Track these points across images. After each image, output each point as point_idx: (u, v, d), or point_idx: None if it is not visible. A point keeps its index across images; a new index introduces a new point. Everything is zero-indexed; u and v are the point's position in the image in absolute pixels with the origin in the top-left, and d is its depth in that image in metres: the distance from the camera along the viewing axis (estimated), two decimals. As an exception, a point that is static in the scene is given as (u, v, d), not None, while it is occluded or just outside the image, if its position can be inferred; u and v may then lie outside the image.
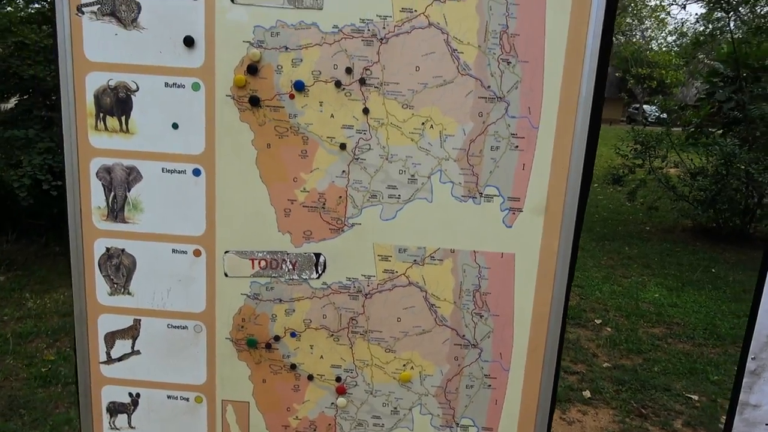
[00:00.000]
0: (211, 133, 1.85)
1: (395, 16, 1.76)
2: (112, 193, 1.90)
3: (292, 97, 1.81)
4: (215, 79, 1.81)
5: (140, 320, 1.99)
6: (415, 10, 1.75)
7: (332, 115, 1.82)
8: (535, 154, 1.82)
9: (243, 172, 1.87)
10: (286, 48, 1.78)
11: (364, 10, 1.75)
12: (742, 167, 10.57)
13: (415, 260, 1.90)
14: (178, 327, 1.99)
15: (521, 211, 1.86)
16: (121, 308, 1.99)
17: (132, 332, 2.00)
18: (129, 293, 1.97)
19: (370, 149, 1.84)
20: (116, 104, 1.84)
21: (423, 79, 1.79)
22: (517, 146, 1.82)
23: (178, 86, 1.83)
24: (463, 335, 1.96)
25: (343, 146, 1.83)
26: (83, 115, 1.85)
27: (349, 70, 1.79)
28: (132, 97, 1.84)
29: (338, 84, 1.79)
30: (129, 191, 1.90)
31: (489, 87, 1.78)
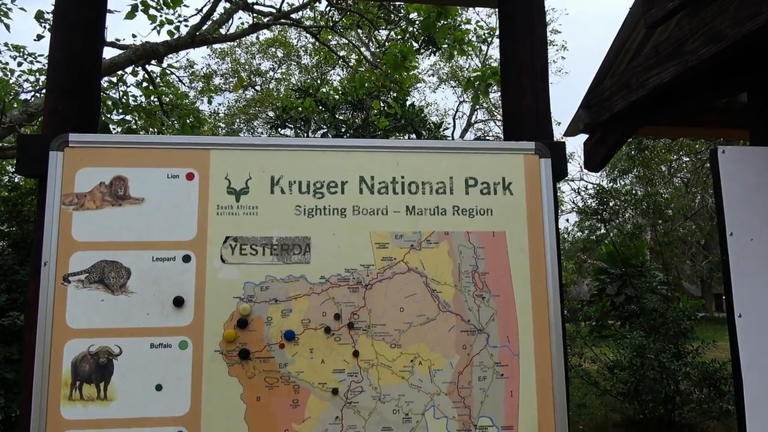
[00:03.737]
0: (198, 392, 1.79)
1: (377, 264, 1.92)
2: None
3: (282, 346, 1.84)
4: (204, 336, 1.82)
5: None
6: (395, 258, 1.93)
7: (323, 361, 1.85)
8: (521, 381, 1.91)
9: (230, 429, 1.78)
10: (276, 300, 1.86)
11: (348, 262, 1.91)
12: (652, 356, 11.24)
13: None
14: None
15: (517, 440, 1.87)
16: None
17: None
18: None
19: (362, 392, 1.85)
20: (96, 371, 1.77)
21: (408, 319, 1.90)
22: (502, 374, 1.91)
23: (165, 346, 1.80)
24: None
25: (335, 391, 1.83)
26: (57, 385, 1.75)
27: (337, 316, 1.87)
28: (114, 361, 1.78)
29: (327, 330, 1.86)
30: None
31: (469, 321, 1.92)
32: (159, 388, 1.78)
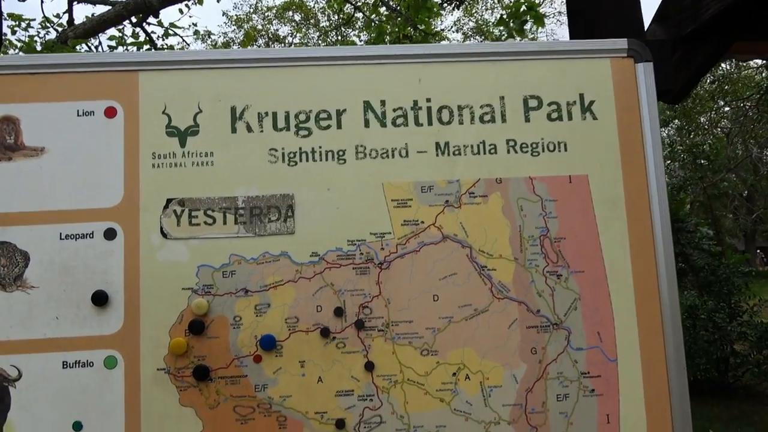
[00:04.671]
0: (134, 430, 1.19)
1: (396, 232, 1.28)
2: None
3: (258, 360, 1.22)
4: (140, 348, 1.21)
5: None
6: (422, 222, 1.28)
7: (320, 379, 1.23)
8: (621, 400, 1.26)
9: (187, 485, 1.19)
10: (246, 291, 1.24)
11: (352, 229, 1.27)
12: (705, 317, 10.45)
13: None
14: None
15: (618, 489, 1.24)
16: None
17: None
18: None
19: (381, 423, 1.23)
20: (-18, 406, 1.18)
21: (446, 312, 1.26)
22: (593, 390, 1.26)
23: (84, 365, 1.21)
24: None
25: (340, 424, 1.21)
26: (-74, 429, 1.17)
27: (339, 312, 1.24)
28: (10, 389, 1.19)
29: (325, 332, 1.23)
30: None
31: (539, 311, 1.27)
32: (77, 427, 1.19)
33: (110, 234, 1.23)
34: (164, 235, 1.24)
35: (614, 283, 1.29)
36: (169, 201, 1.25)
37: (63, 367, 1.20)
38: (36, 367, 1.20)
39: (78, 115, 1.26)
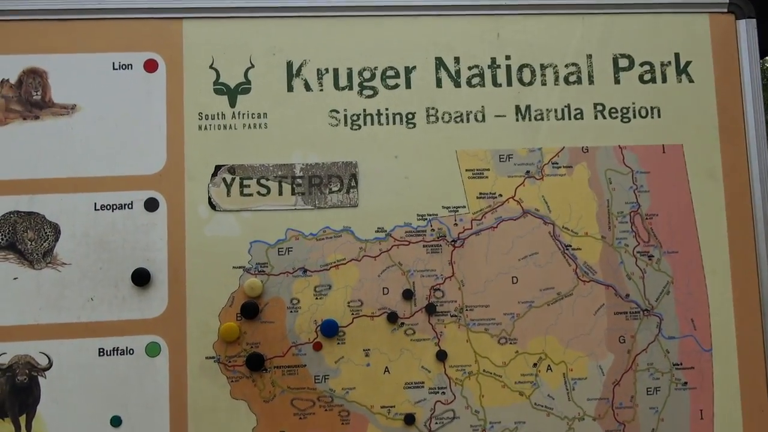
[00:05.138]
0: (181, 427, 1.06)
1: (471, 206, 1.14)
2: None
3: (318, 347, 1.09)
4: (187, 333, 1.08)
5: None
6: (500, 194, 1.15)
7: (387, 370, 1.10)
8: (716, 393, 1.14)
9: (239, 485, 1.06)
10: (304, 271, 1.10)
11: (423, 202, 1.13)
12: None
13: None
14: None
15: (715, 491, 1.13)
16: None
17: None
18: None
19: (454, 418, 1.10)
20: (11, 396, 1.05)
21: (526, 296, 1.13)
22: (685, 383, 1.14)
23: (123, 352, 1.07)
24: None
25: (409, 419, 1.09)
26: (-54, 423, 1.04)
27: (408, 294, 1.11)
28: (39, 380, 1.06)
29: (393, 318, 1.10)
30: None
31: (628, 296, 1.14)
32: (116, 422, 1.06)
33: (152, 205, 1.09)
34: (212, 206, 1.10)
35: (710, 265, 1.16)
36: (217, 168, 1.10)
37: (99, 355, 1.07)
38: (69, 355, 1.06)
39: (114, 69, 1.11)
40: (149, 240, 1.08)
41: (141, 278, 1.06)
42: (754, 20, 1.20)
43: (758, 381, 1.15)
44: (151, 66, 1.11)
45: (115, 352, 1.07)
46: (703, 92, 1.19)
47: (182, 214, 1.09)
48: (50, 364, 1.06)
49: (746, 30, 1.20)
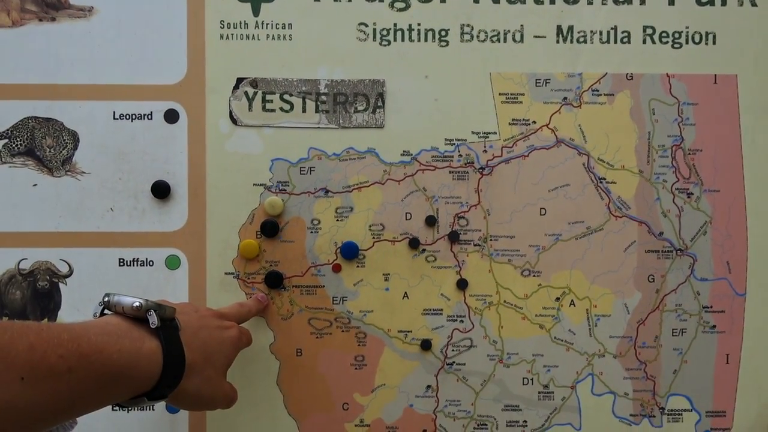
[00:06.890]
0: (200, 339, 1.07)
1: (502, 132, 1.08)
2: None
3: (337, 269, 1.07)
4: (207, 248, 1.07)
5: None
6: (534, 122, 1.08)
7: (406, 295, 1.09)
8: (745, 339, 1.10)
9: (255, 401, 1.08)
10: (326, 191, 1.07)
11: (452, 126, 1.07)
12: None
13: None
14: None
15: (732, 434, 1.11)
16: None
17: None
18: None
19: (471, 347, 1.09)
20: (33, 300, 1.07)
21: (553, 228, 1.09)
22: (714, 327, 1.10)
23: (143, 263, 1.07)
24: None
25: (426, 345, 1.08)
26: (-27, 323, 1.06)
27: (431, 221, 1.07)
28: (60, 286, 1.07)
29: (414, 243, 1.07)
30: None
31: (662, 234, 1.09)
32: (137, 331, 1.07)
33: (172, 116, 1.05)
34: (234, 120, 1.06)
35: (753, 208, 1.10)
36: (239, 81, 1.06)
37: (119, 265, 1.07)
38: (89, 264, 1.07)
39: (132, -30, 1.05)
40: (169, 152, 1.06)
41: (161, 191, 1.05)
42: (833, -62, 1.08)
43: (791, 328, 1.10)
44: (171, -32, 1.04)
45: (135, 262, 1.07)
46: (766, 18, 1.09)
47: (203, 127, 1.06)
48: (71, 272, 1.07)
49: (822, -51, 1.08)
